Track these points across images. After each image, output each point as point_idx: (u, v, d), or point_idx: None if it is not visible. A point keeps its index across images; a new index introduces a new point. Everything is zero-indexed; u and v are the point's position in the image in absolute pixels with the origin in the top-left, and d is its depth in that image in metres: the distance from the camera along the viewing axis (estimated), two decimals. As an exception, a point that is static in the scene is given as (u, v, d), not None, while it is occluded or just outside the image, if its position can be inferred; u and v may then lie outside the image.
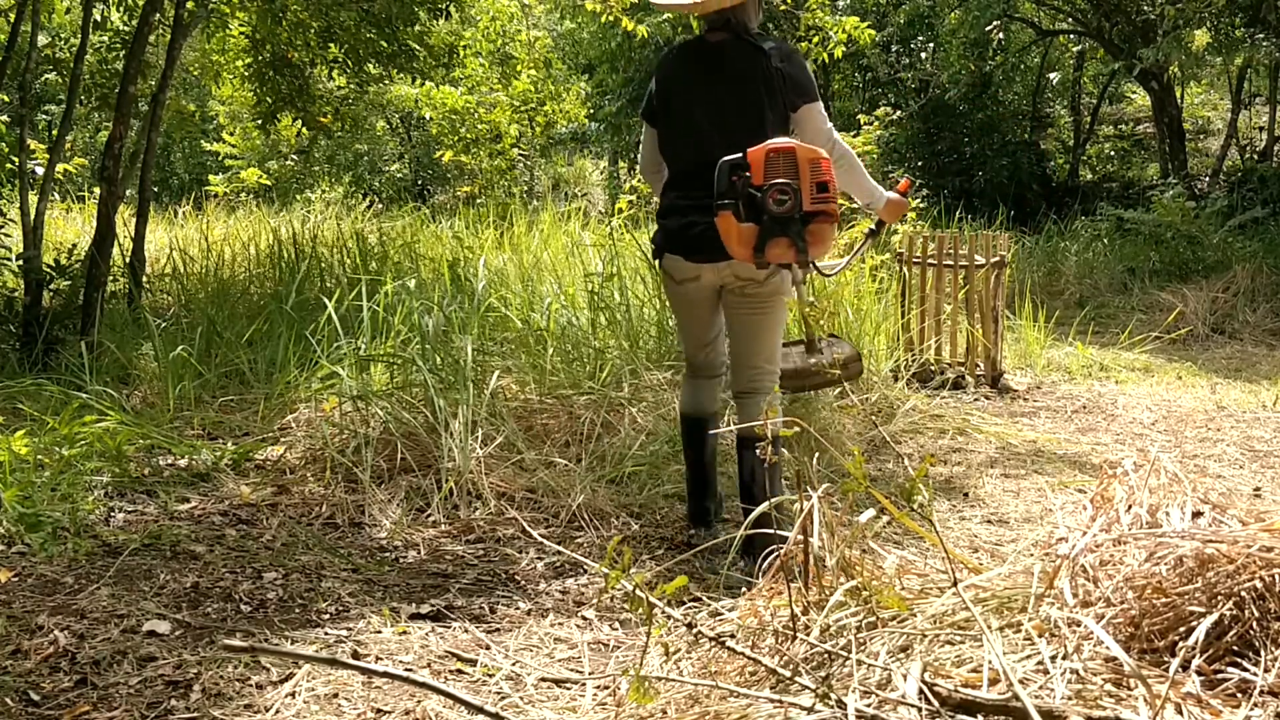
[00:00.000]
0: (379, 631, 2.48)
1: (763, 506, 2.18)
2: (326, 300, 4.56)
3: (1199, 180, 13.09)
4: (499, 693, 2.19)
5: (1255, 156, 13.60)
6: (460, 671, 2.29)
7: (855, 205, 5.72)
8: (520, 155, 12.76)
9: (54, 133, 6.40)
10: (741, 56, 2.95)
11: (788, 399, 4.16)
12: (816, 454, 3.82)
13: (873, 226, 3.40)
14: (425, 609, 2.63)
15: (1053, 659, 1.68)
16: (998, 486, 3.98)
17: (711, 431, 3.21)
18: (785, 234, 2.72)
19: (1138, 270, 9.71)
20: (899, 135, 13.00)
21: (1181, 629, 1.74)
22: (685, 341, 3.28)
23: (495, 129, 12.21)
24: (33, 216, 5.30)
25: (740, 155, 2.75)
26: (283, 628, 2.49)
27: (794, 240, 2.72)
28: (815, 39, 7.05)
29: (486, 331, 4.78)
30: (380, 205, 12.97)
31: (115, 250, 5.59)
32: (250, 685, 2.15)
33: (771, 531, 2.22)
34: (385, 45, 7.23)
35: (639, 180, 8.88)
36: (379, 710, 2.08)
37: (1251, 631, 1.71)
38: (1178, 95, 13.50)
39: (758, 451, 2.81)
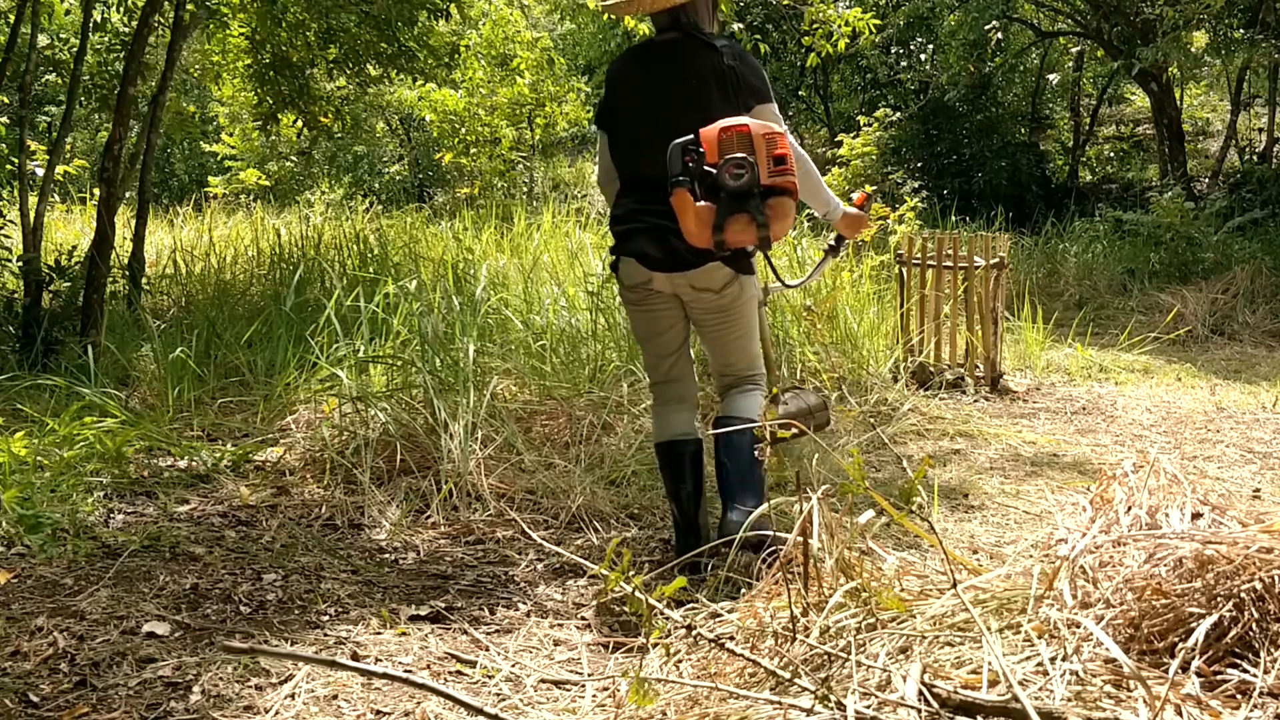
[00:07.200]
0: (378, 633, 2.48)
1: (763, 508, 2.18)
2: (326, 302, 4.56)
3: (1198, 181, 13.09)
4: (498, 694, 2.19)
5: (1254, 158, 13.60)
6: (460, 673, 2.30)
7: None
8: (520, 157, 12.75)
9: (54, 134, 6.40)
10: (692, 55, 2.86)
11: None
12: (816, 455, 3.82)
13: (831, 243, 3.27)
14: (424, 610, 2.63)
15: (1052, 660, 1.68)
16: (997, 488, 3.97)
17: (700, 447, 3.01)
18: (744, 209, 2.61)
19: (1137, 271, 9.71)
20: (898, 136, 13.00)
21: (1181, 630, 1.75)
22: (645, 356, 3.16)
23: (494, 132, 12.21)
24: (32, 218, 5.30)
25: (692, 136, 2.65)
26: (282, 629, 2.48)
27: (754, 215, 2.62)
28: (820, 33, 7.04)
29: (487, 334, 4.78)
30: (380, 206, 12.96)
31: (115, 252, 5.58)
32: (250, 686, 2.15)
33: (770, 532, 2.21)
34: (385, 46, 7.24)
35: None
36: (378, 712, 2.08)
37: (1251, 633, 1.72)
38: (1177, 96, 13.49)
39: (743, 444, 2.75)
